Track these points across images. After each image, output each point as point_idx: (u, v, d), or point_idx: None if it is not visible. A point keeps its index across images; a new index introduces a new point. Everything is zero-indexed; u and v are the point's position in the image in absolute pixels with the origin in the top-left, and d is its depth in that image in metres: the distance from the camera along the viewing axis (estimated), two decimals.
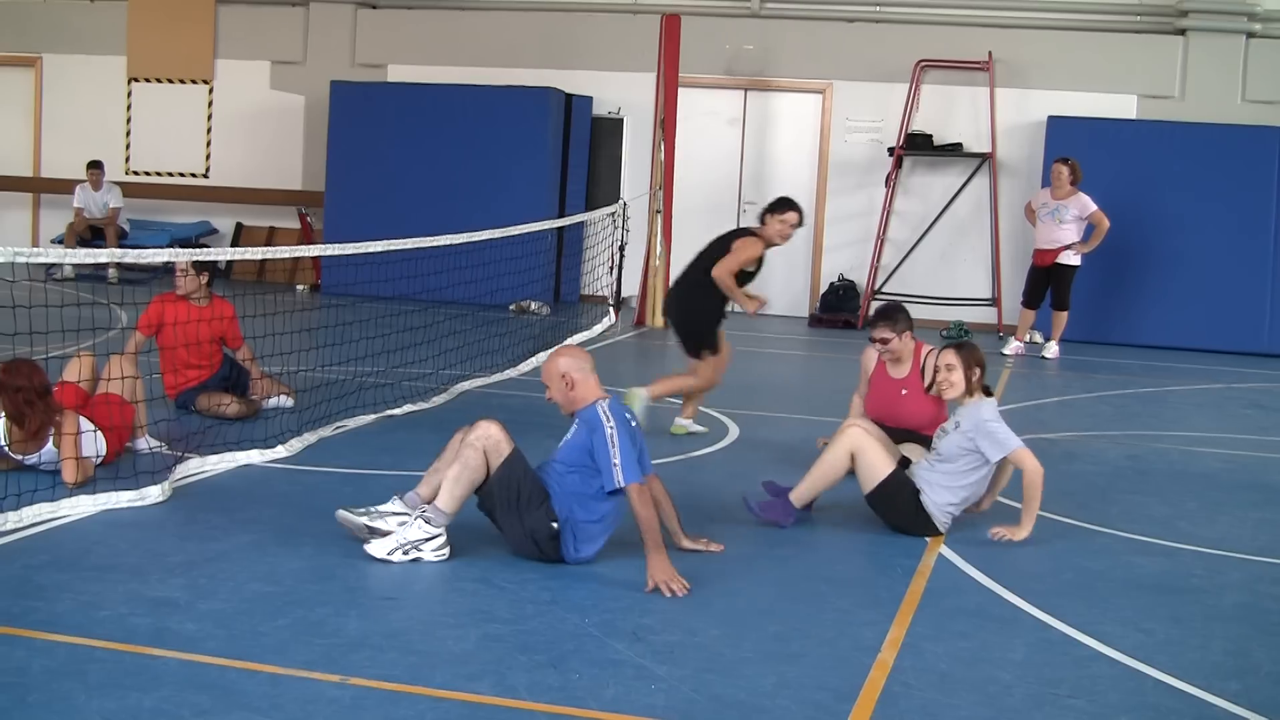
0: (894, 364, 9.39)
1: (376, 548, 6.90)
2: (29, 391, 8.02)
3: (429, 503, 7.02)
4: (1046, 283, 16.92)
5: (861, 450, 7.78)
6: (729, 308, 10.49)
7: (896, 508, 7.79)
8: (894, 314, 9.40)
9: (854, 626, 6.22)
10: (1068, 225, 16.63)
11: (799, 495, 7.90)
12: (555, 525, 6.92)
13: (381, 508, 7.19)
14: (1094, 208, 16.66)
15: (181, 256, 9.41)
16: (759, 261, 10.47)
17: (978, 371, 7.88)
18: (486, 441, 6.94)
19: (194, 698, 4.99)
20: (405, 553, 6.87)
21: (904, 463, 8.11)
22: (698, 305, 10.52)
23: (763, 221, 10.43)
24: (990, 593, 6.90)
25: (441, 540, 6.94)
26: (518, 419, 9.36)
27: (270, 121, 21.73)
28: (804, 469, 8.08)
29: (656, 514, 6.85)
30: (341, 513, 7.21)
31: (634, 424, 7.20)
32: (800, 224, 10.53)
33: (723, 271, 10.22)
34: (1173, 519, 8.72)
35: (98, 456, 8.43)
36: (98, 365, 9.06)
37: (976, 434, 7.72)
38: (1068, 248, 16.70)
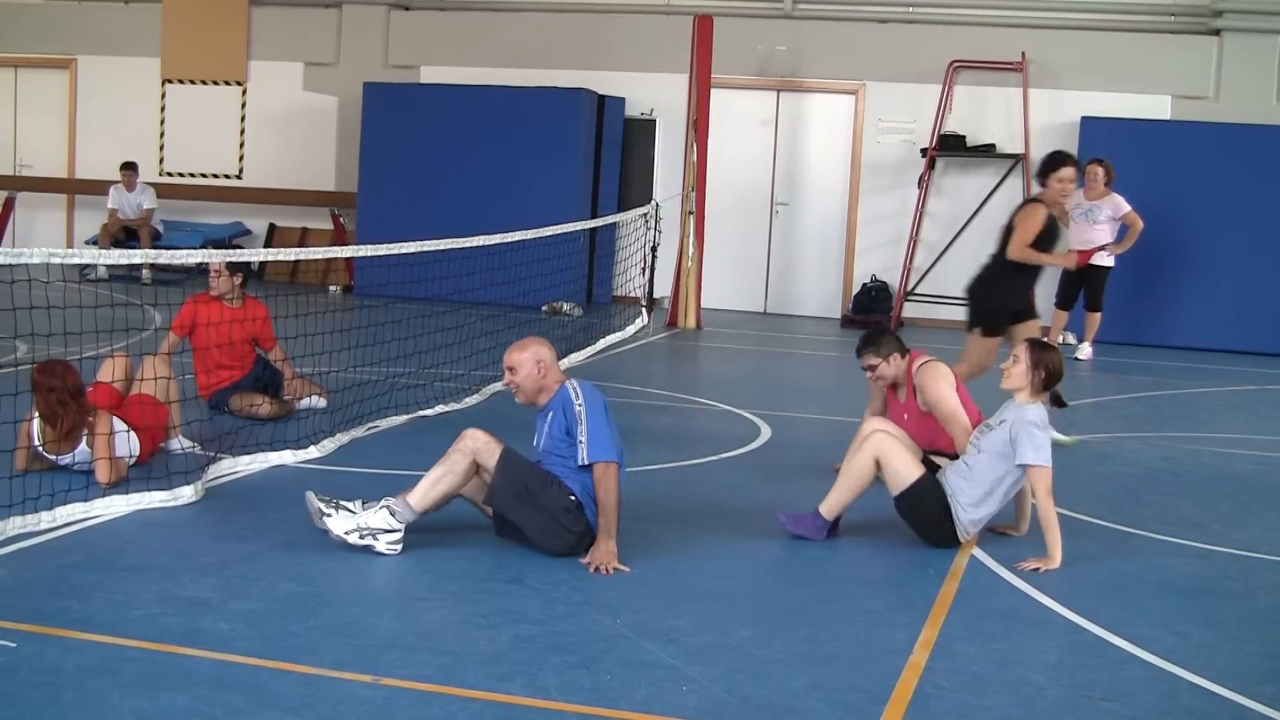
0: (896, 389, 8.78)
1: (336, 524, 6.93)
2: (62, 392, 8.05)
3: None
4: (1080, 284, 16.84)
5: (886, 456, 7.52)
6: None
7: (924, 513, 7.52)
8: (876, 339, 8.73)
9: (886, 628, 6.21)
10: (1101, 226, 16.56)
11: (829, 507, 7.59)
12: (573, 498, 7.00)
13: (352, 504, 7.10)
14: (1128, 208, 16.59)
15: (215, 257, 9.46)
16: (1051, 226, 10.47)
17: (1042, 373, 7.48)
18: (474, 444, 7.01)
19: (226, 697, 5.00)
20: (361, 537, 6.91)
21: (931, 466, 7.87)
22: (995, 286, 10.83)
23: (1043, 184, 10.50)
24: (1022, 594, 6.87)
25: (398, 535, 6.94)
26: None
27: (303, 122, 21.80)
28: (832, 473, 8.06)
29: (616, 501, 6.94)
30: (310, 495, 7.18)
31: (606, 404, 7.26)
32: (1077, 178, 10.78)
33: (1016, 250, 10.45)
34: (1206, 521, 8.68)
35: (131, 457, 8.46)
36: (132, 366, 9.10)
37: (1017, 430, 7.33)
38: (1101, 248, 16.61)
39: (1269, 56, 18.87)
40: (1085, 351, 16.82)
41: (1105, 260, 16.67)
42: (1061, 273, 17.17)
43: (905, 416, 8.59)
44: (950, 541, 7.53)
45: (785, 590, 6.65)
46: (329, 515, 6.99)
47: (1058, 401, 7.75)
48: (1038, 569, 7.20)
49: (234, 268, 10.40)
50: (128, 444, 8.41)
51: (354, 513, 7.01)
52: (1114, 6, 19.44)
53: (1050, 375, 7.51)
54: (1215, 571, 7.58)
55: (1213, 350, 18.04)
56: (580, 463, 6.99)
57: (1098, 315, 16.70)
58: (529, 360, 7.20)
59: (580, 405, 7.09)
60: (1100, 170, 16.68)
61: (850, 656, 5.86)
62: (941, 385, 8.40)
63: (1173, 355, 17.54)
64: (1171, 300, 18.55)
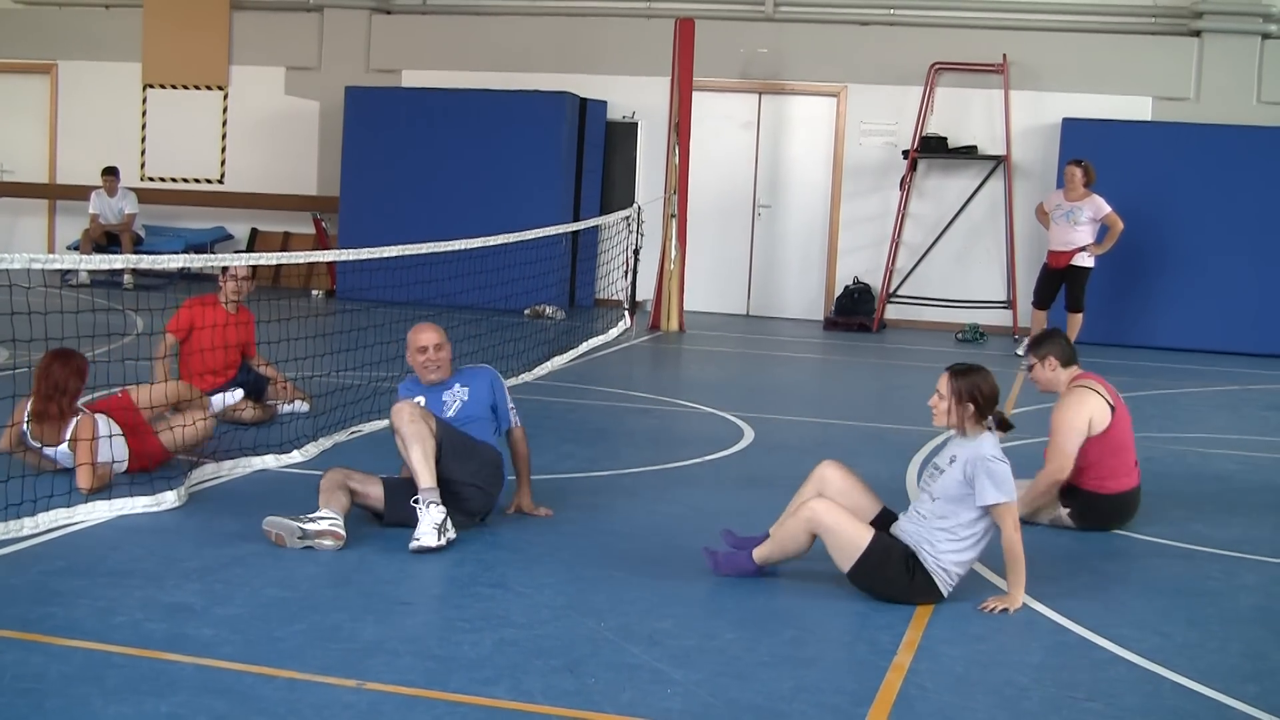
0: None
1: (426, 538, 7.14)
2: (52, 385, 8.19)
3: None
4: (1058, 284, 16.88)
5: (825, 530, 6.67)
6: None
7: (886, 578, 6.60)
8: (1040, 341, 8.58)
9: (870, 630, 6.22)
10: (1082, 227, 16.60)
11: (761, 556, 6.88)
12: (497, 453, 7.91)
13: (312, 515, 7.30)
14: (1108, 209, 16.62)
15: (234, 262, 9.56)
16: None
17: (970, 407, 6.73)
18: (416, 411, 7.52)
19: (210, 703, 5.00)
20: (440, 536, 7.19)
21: (885, 520, 7.04)
22: None
23: None
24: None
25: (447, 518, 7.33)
26: (532, 423, 9.36)
27: (285, 127, 21.77)
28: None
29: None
30: (271, 518, 7.31)
31: None
32: None
33: None
34: (1189, 521, 8.69)
35: (119, 464, 8.45)
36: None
37: (973, 470, 6.62)
38: (1082, 249, 16.66)
39: (1249, 58, 18.93)
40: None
41: (1086, 261, 16.70)
42: (1040, 272, 17.25)
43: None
44: (929, 596, 6.64)
45: (769, 593, 6.65)
46: (416, 540, 7.17)
47: (1003, 425, 6.90)
48: (996, 609, 6.56)
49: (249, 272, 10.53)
50: (110, 450, 8.39)
51: (318, 525, 7.23)
52: (1095, 8, 19.48)
53: (982, 403, 6.74)
54: (1198, 571, 7.60)
55: (1194, 351, 18.07)
56: (510, 427, 8.13)
57: (1079, 316, 16.71)
58: (446, 341, 8.09)
59: (504, 383, 8.26)
60: (1079, 171, 16.72)
61: (834, 659, 5.88)
62: (1073, 414, 8.18)
63: (1154, 356, 17.58)
64: (1152, 301, 18.60)
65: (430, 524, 7.19)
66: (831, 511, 6.68)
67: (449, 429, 7.67)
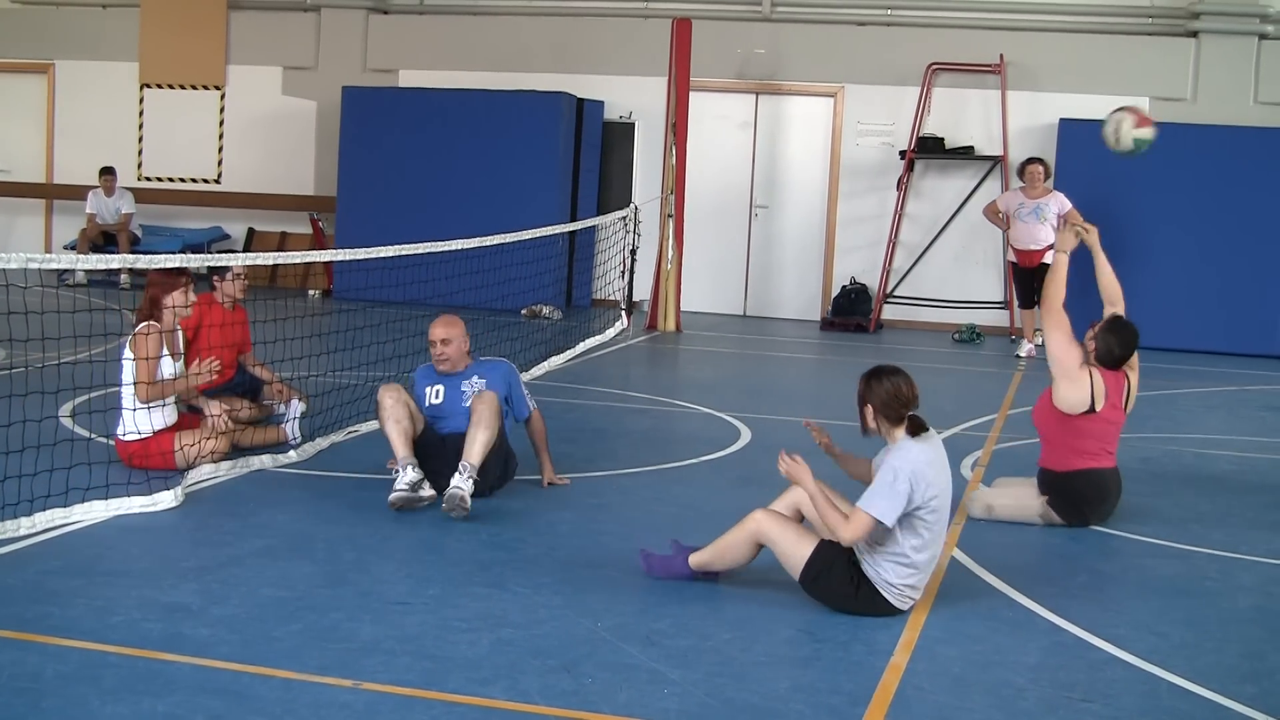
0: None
1: (466, 492, 7.93)
2: (153, 287, 9.00)
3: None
4: (1034, 282, 16.95)
5: (771, 541, 6.58)
6: None
7: (831, 589, 6.45)
8: (1113, 325, 8.75)
9: (867, 629, 6.22)
10: (1050, 223, 16.70)
11: (698, 561, 6.78)
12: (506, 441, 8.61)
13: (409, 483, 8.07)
14: (1070, 205, 16.73)
15: (208, 261, 9.60)
16: None
17: (870, 410, 6.57)
18: (401, 394, 8.35)
19: (207, 703, 5.00)
20: (414, 489, 8.04)
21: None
22: None
23: None
24: (1002, 595, 6.89)
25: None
26: None
27: (282, 127, 21.76)
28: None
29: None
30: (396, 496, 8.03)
31: None
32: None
33: None
34: (1186, 521, 8.71)
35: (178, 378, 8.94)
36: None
37: (878, 470, 6.50)
38: (1050, 247, 16.73)
39: (1246, 58, 18.93)
40: (1025, 349, 16.87)
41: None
42: (1015, 273, 17.32)
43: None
44: (878, 608, 6.43)
45: (766, 593, 6.64)
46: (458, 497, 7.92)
47: (917, 428, 6.60)
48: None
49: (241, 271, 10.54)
50: (171, 367, 8.85)
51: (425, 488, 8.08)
52: (1092, 9, 19.48)
53: (883, 407, 6.54)
54: (1195, 572, 7.60)
55: (1193, 351, 18.06)
56: (527, 415, 8.89)
57: None
58: (459, 335, 8.70)
59: (519, 376, 8.99)
60: (1040, 169, 16.87)
61: (831, 658, 5.88)
62: (1073, 352, 8.36)
63: (1151, 356, 17.48)
64: (1150, 301, 18.52)
65: (464, 490, 7.93)
66: (774, 523, 6.60)
67: (502, 435, 8.43)
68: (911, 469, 6.36)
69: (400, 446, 8.12)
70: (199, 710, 4.93)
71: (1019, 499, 8.43)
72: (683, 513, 8.39)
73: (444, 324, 8.74)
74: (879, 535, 6.38)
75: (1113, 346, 8.47)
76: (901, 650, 5.95)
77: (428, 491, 8.05)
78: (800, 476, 6.54)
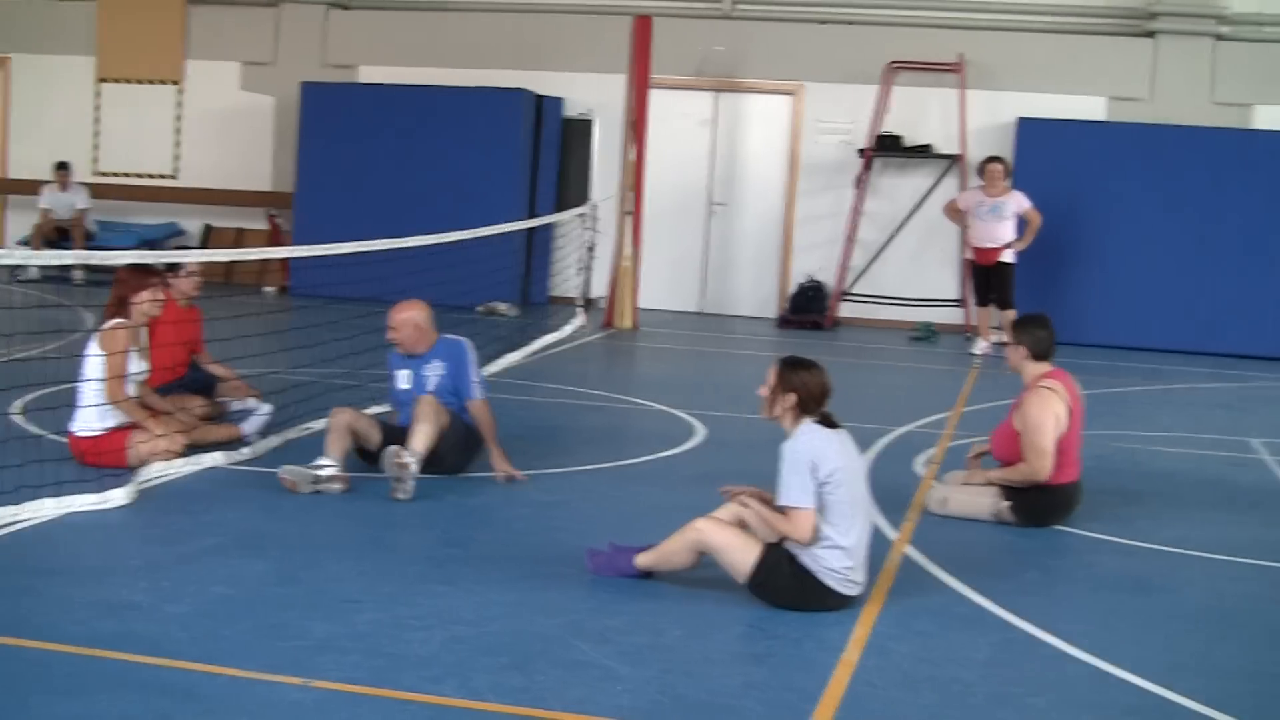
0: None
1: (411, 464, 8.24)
2: (122, 285, 8.96)
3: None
4: (989, 281, 17.06)
5: (714, 550, 6.58)
6: None
7: (778, 589, 6.45)
8: (1025, 323, 8.66)
9: (819, 626, 6.23)
10: (1008, 221, 16.87)
11: (644, 562, 6.79)
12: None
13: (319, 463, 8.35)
14: (1029, 203, 16.87)
15: (163, 258, 9.54)
16: None
17: (792, 398, 6.56)
18: (437, 404, 8.65)
19: (157, 701, 4.98)
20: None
21: None
22: None
23: None
24: (954, 592, 6.92)
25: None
26: None
27: (240, 122, 21.66)
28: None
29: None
30: (286, 467, 8.34)
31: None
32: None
33: None
34: (1136, 518, 8.75)
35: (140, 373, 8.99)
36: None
37: (780, 464, 6.49)
38: (1008, 245, 16.87)
39: (1203, 58, 19.03)
40: (981, 347, 16.95)
41: (1011, 257, 16.92)
42: (972, 271, 17.43)
43: (1005, 421, 8.63)
44: (827, 601, 6.45)
45: (718, 590, 6.64)
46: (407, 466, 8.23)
47: (827, 423, 6.59)
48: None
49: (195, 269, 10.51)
50: (138, 365, 8.94)
51: (327, 472, 8.31)
52: (1051, 9, 19.55)
53: (805, 396, 6.56)
54: (1145, 568, 7.66)
55: (1146, 349, 18.17)
56: (468, 399, 8.97)
57: (1011, 313, 16.69)
58: (409, 321, 8.99)
59: (471, 356, 9.12)
60: (999, 168, 17.00)
61: (784, 655, 5.90)
62: (1044, 415, 8.26)
63: (1106, 354, 17.65)
64: (1103, 299, 18.68)
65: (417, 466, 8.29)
66: (717, 530, 6.60)
67: (457, 424, 8.76)
68: (806, 448, 6.42)
69: (330, 449, 8.44)
70: (149, 709, 4.91)
71: (975, 495, 8.46)
72: (638, 510, 8.40)
73: (396, 310, 9.09)
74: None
75: (1040, 337, 8.53)
76: (853, 646, 5.97)
77: (327, 473, 8.30)
78: (742, 512, 6.64)
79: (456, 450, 8.84)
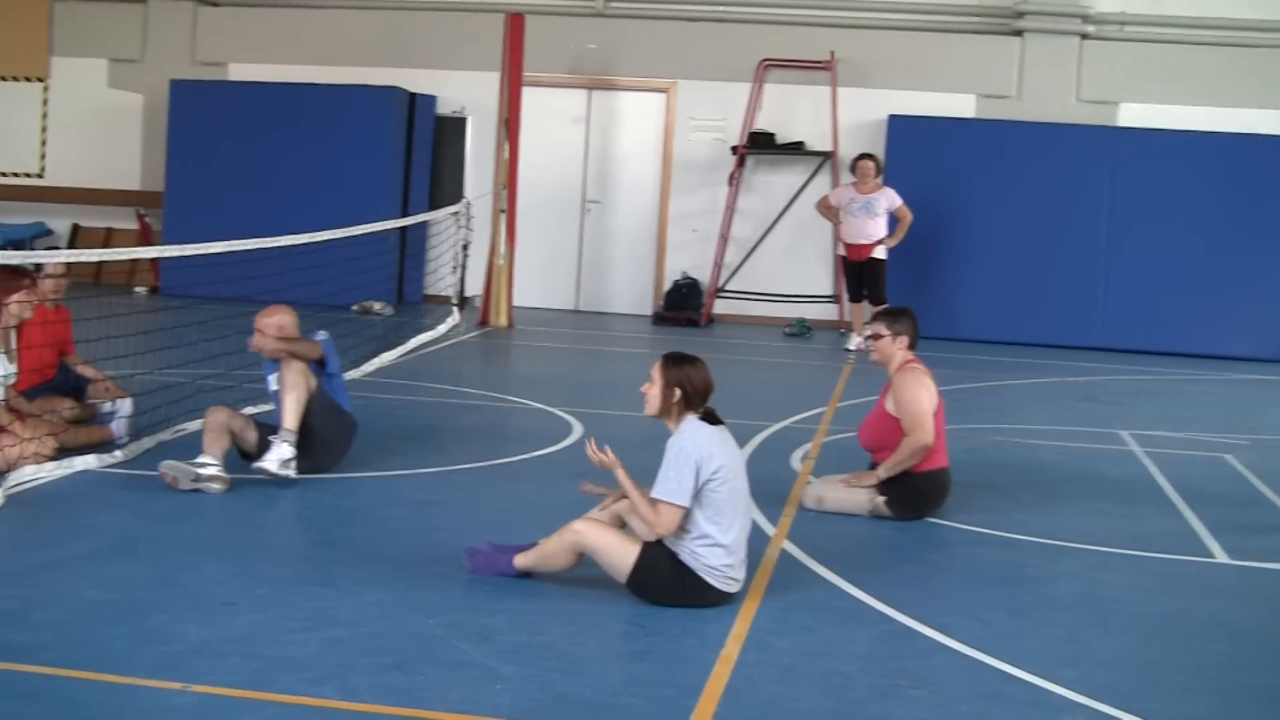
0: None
1: (269, 463, 8.40)
2: None
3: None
4: (861, 277, 17.22)
5: (593, 551, 6.59)
6: None
7: (658, 587, 6.46)
8: (897, 313, 8.84)
9: (698, 622, 6.25)
10: (880, 218, 17.06)
11: (523, 563, 6.76)
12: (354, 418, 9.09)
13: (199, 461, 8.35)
14: (900, 200, 17.06)
15: (50, 259, 9.40)
16: None
17: (678, 393, 6.54)
18: (302, 369, 8.66)
19: (32, 709, 4.90)
20: (285, 468, 8.42)
21: None
22: None
23: None
24: (833, 586, 6.97)
25: (295, 460, 8.52)
26: (360, 420, 9.29)
27: (108, 120, 21.35)
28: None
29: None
30: (167, 462, 8.34)
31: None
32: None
33: None
34: (1010, 510, 8.87)
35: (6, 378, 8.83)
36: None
37: (666, 455, 6.49)
38: (880, 242, 17.04)
39: (1069, 57, 19.31)
40: (855, 342, 17.11)
41: (882, 254, 17.08)
42: (844, 267, 17.59)
43: (873, 411, 8.75)
44: (714, 599, 6.48)
45: (597, 588, 6.65)
46: (260, 460, 8.45)
47: (711, 419, 6.63)
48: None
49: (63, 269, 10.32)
50: (4, 367, 8.72)
51: (209, 470, 8.28)
52: (920, 7, 19.75)
53: (690, 392, 6.56)
54: (1019, 559, 7.76)
55: (1015, 344, 18.41)
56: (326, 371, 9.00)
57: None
58: (270, 325, 8.74)
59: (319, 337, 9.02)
60: (871, 165, 17.19)
61: (664, 651, 5.91)
62: (919, 389, 8.42)
63: (976, 349, 17.86)
64: (974, 294, 18.90)
65: (277, 456, 8.41)
66: (596, 532, 6.61)
67: (322, 392, 8.78)
68: (693, 446, 6.43)
69: (209, 448, 8.42)
70: (21, 717, 4.83)
71: (851, 492, 8.54)
72: (516, 508, 8.39)
73: (262, 314, 8.91)
74: (684, 521, 6.44)
75: (916, 328, 8.77)
76: (733, 642, 5.99)
77: (292, 473, 8.41)
78: (611, 465, 6.65)
79: (325, 418, 8.74)
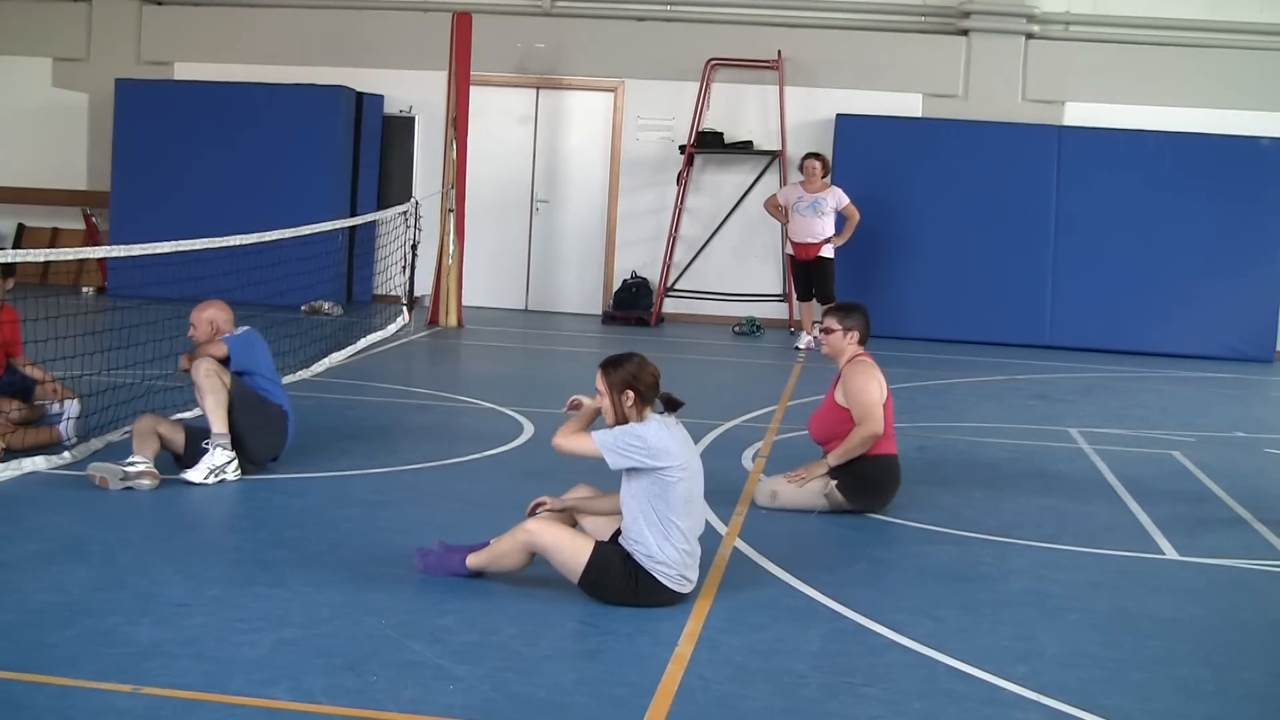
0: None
1: (194, 474, 8.45)
2: None
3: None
4: (809, 276, 17.26)
5: (545, 550, 6.58)
6: None
7: (610, 587, 6.47)
8: (849, 309, 8.88)
9: (651, 621, 6.26)
10: (827, 217, 17.12)
11: (475, 563, 6.75)
12: (285, 409, 9.01)
13: (129, 460, 8.38)
14: (848, 200, 17.13)
15: None
16: None
17: (631, 395, 6.57)
18: (208, 369, 8.61)
19: None
20: (215, 476, 8.48)
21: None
22: None
23: None
24: (784, 584, 6.99)
25: (235, 461, 8.59)
26: (310, 420, 9.28)
27: (52, 120, 21.20)
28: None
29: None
30: (95, 463, 8.40)
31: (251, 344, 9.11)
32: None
33: None
34: (961, 508, 8.91)
35: None
36: None
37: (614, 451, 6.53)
38: (827, 241, 17.09)
39: (1014, 56, 19.42)
40: (804, 340, 17.15)
41: (830, 252, 17.13)
42: (792, 266, 17.65)
43: (821, 402, 8.84)
44: (667, 599, 6.50)
45: (550, 587, 6.64)
46: (186, 470, 8.48)
47: (670, 405, 6.72)
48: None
49: (5, 270, 10.16)
50: None
51: (137, 468, 8.32)
52: (867, 7, 19.81)
53: (643, 389, 6.59)
54: (970, 557, 7.79)
55: (964, 342, 18.50)
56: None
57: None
58: (203, 320, 8.97)
59: (245, 341, 9.01)
60: (818, 164, 17.24)
61: (617, 650, 5.91)
62: (869, 380, 8.51)
63: (925, 347, 17.93)
64: (920, 293, 18.98)
65: (206, 465, 8.49)
66: (549, 532, 6.60)
67: (240, 385, 8.74)
68: (652, 431, 6.49)
69: (217, 422, 8.59)
70: None
71: (843, 455, 8.54)
72: (466, 508, 8.38)
73: (196, 309, 9.13)
74: (632, 510, 6.51)
75: (867, 323, 8.85)
76: (685, 640, 6.00)
77: (136, 469, 8.34)
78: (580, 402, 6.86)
79: (245, 411, 8.70)
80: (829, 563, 7.46)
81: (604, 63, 20.17)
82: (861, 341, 8.76)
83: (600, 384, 6.63)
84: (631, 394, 6.58)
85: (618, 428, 6.53)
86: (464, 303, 18.32)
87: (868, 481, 8.54)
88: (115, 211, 19.76)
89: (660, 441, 6.46)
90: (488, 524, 7.26)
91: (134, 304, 14.24)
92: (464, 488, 8.93)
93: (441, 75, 18.67)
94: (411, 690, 5.28)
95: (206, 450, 8.54)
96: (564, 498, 7.07)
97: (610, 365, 6.63)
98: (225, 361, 8.79)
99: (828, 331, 8.75)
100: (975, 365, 16.57)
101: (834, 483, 8.48)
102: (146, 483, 8.28)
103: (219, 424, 8.54)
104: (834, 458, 8.51)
